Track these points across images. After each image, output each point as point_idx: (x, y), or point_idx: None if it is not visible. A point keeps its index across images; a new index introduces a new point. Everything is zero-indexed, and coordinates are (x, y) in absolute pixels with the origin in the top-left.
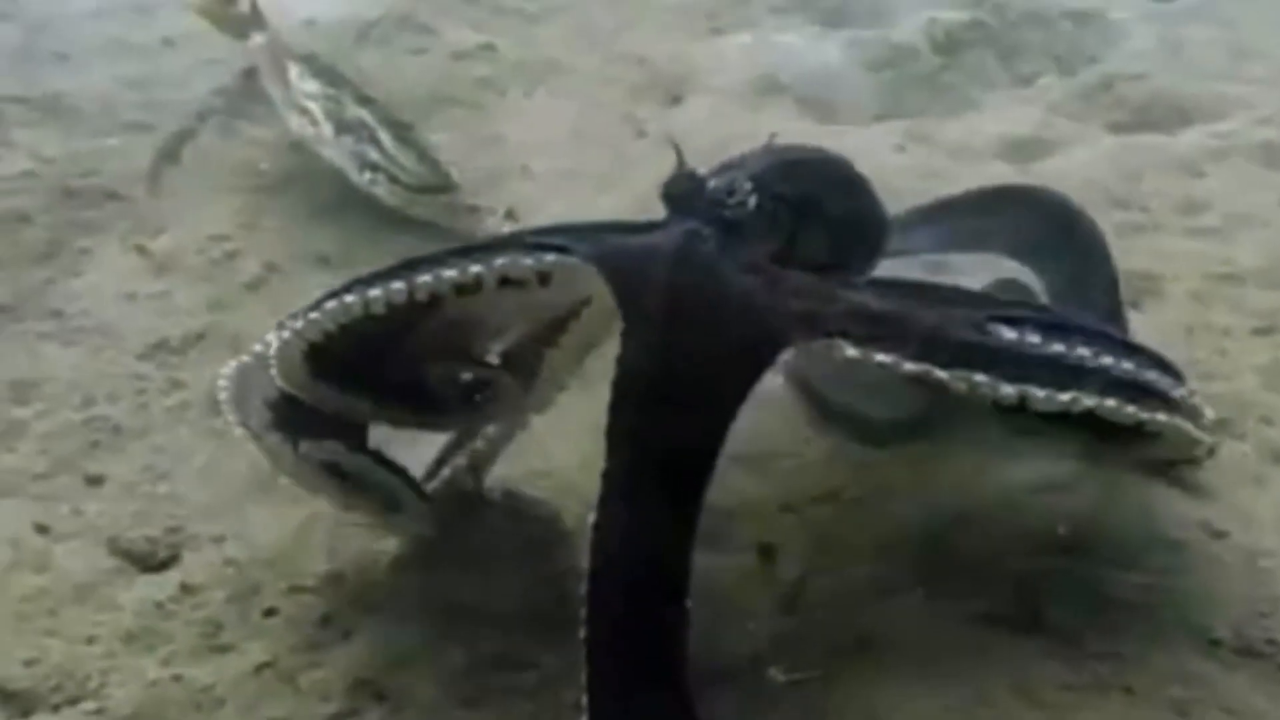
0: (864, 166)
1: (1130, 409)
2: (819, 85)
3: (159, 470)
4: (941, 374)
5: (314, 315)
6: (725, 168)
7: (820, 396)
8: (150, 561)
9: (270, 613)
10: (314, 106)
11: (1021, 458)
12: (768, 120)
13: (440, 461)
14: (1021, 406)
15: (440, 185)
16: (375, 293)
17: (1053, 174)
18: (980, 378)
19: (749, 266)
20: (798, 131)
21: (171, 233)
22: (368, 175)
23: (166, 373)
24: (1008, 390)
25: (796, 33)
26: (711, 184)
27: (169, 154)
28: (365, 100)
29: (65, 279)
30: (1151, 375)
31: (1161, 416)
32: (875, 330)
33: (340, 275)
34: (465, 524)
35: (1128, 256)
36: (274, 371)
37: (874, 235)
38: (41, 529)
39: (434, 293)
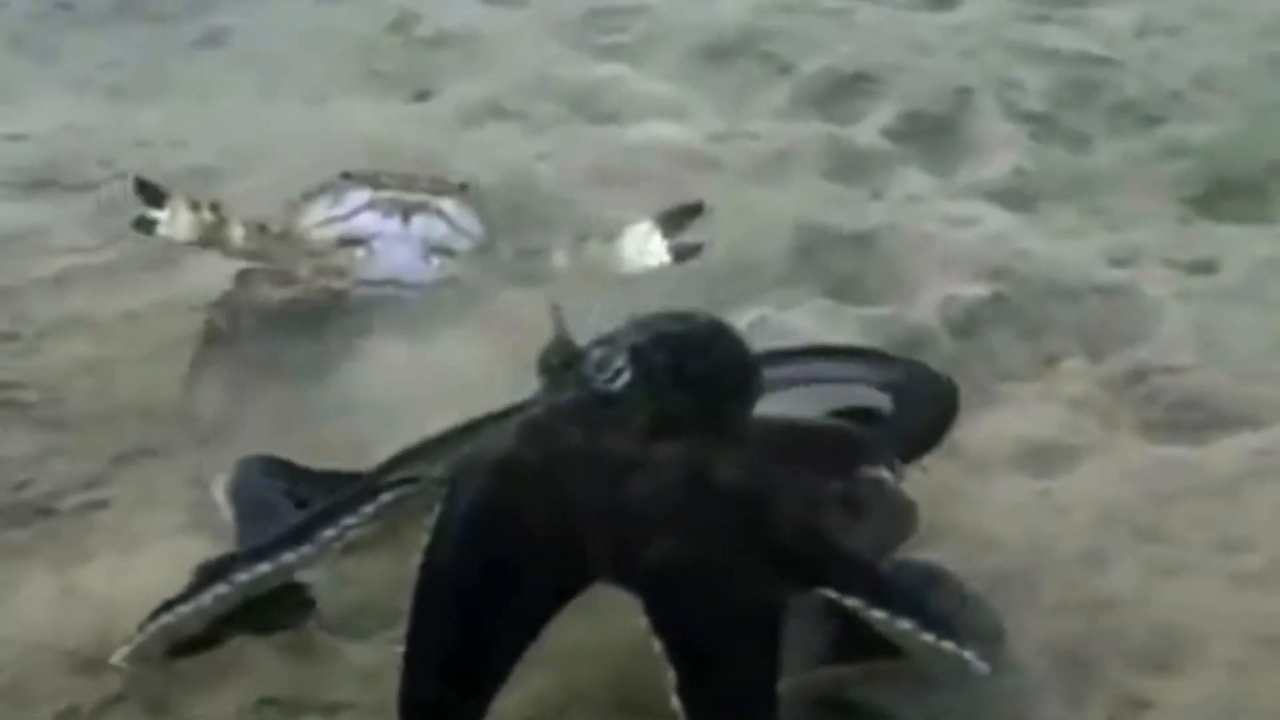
0: None
1: None
2: None
3: None
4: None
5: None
6: (601, 341)
7: None
8: None
9: None
10: None
11: None
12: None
13: None
14: None
15: None
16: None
17: (1075, 496)
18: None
19: (575, 479)
20: None
21: None
22: None
23: None
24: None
25: (804, 308)
26: (591, 356)
27: None
28: None
29: None
30: None
31: None
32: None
33: None
34: None
35: (1157, 606)
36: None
37: (744, 390)
38: None
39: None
